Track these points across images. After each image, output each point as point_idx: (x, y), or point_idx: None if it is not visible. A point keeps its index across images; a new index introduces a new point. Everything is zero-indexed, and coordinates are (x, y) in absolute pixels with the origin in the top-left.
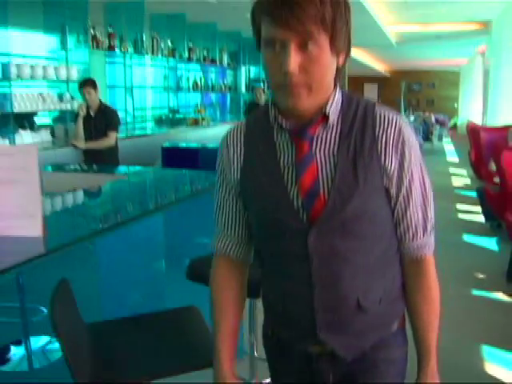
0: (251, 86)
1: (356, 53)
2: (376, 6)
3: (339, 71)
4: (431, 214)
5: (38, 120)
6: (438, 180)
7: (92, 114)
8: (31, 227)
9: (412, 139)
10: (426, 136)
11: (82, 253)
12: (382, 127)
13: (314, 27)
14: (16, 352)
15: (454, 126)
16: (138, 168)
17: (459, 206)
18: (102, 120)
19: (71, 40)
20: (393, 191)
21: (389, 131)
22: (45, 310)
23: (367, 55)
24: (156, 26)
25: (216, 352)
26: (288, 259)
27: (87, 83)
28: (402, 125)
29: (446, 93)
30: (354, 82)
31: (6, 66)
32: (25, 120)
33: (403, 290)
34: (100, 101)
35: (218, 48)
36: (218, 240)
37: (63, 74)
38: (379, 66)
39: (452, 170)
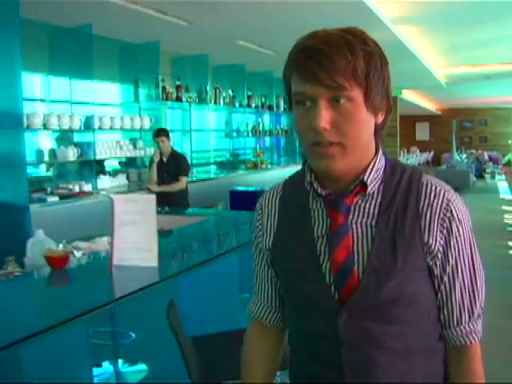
0: None
1: (407, 94)
2: (425, 51)
3: (378, 132)
4: (480, 298)
5: (107, 165)
6: (490, 217)
7: (165, 160)
8: (149, 259)
9: (461, 215)
10: (479, 174)
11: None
12: (427, 201)
13: (344, 81)
14: (98, 373)
15: (508, 163)
16: (209, 210)
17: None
18: (173, 166)
19: (143, 92)
20: (437, 271)
21: (434, 205)
22: (133, 334)
23: (418, 96)
24: (218, 76)
25: None
26: (317, 341)
27: (161, 133)
28: (451, 198)
29: (499, 129)
30: (406, 121)
31: (89, 118)
32: (98, 166)
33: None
34: (172, 148)
35: (274, 94)
36: (253, 304)
37: (137, 123)
38: (430, 105)
39: (505, 207)
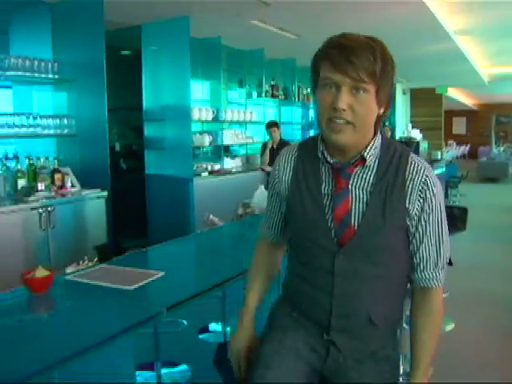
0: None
1: (449, 91)
2: (475, 55)
3: (379, 120)
4: (443, 255)
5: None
6: None
7: (275, 146)
8: None
9: (435, 188)
10: None
11: None
12: (410, 175)
13: (365, 76)
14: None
15: None
16: None
17: None
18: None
19: (246, 90)
20: (412, 229)
21: (416, 179)
22: (185, 322)
23: (458, 92)
24: (302, 77)
25: (246, 301)
26: (316, 270)
27: (273, 124)
28: (429, 175)
29: None
30: (444, 116)
31: (219, 112)
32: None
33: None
34: (280, 137)
35: None
36: (262, 226)
37: (247, 117)
38: (468, 101)
39: None
